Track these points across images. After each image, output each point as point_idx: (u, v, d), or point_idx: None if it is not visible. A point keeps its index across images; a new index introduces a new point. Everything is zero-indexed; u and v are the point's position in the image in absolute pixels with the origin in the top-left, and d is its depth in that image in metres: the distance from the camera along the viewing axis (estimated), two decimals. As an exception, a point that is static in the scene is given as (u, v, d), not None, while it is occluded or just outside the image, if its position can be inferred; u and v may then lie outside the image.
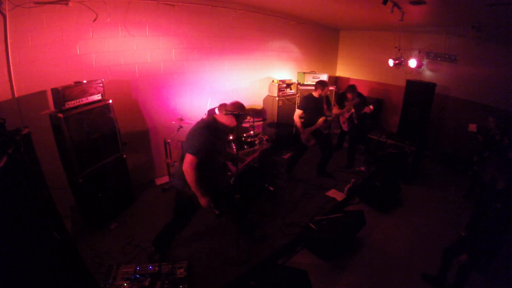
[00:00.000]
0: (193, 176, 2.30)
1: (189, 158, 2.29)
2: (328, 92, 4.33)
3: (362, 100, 4.90)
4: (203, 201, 2.41)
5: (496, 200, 2.26)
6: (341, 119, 4.94)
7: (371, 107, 4.67)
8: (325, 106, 4.28)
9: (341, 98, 5.19)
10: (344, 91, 5.09)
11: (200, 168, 2.35)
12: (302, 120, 4.21)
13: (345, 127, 4.97)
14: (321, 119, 4.18)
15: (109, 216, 3.32)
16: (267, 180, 4.12)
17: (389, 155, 4.74)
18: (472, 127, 4.27)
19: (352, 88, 4.86)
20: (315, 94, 4.20)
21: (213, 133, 2.41)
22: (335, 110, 4.60)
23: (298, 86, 5.59)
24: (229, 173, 3.36)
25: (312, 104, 4.18)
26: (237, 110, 2.42)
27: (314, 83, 5.71)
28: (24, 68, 2.94)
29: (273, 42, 5.49)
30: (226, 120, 2.48)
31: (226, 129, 2.56)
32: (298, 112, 4.20)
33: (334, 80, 7.11)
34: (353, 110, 4.82)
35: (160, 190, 4.15)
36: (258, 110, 5.63)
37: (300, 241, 3.25)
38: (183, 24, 4.16)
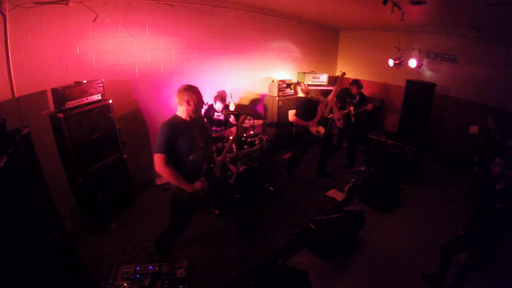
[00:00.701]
0: (168, 172, 2.24)
1: (156, 159, 2.24)
2: (308, 90, 4.31)
3: (362, 98, 4.88)
4: (196, 185, 2.31)
5: (496, 200, 2.26)
6: (336, 115, 4.89)
7: (370, 106, 4.62)
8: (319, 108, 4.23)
9: (343, 94, 5.16)
10: (346, 87, 5.07)
11: (178, 167, 2.32)
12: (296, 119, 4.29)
13: (339, 124, 4.93)
14: (320, 106, 4.17)
15: (109, 216, 3.32)
16: (267, 180, 4.12)
17: (389, 155, 4.74)
18: (474, 129, 4.27)
19: (357, 82, 4.83)
20: (302, 95, 4.29)
21: (174, 126, 2.29)
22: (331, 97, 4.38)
23: (298, 86, 5.59)
24: (229, 173, 3.36)
25: (302, 104, 4.24)
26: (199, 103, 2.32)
27: (315, 83, 5.75)
28: (24, 68, 2.93)
29: (273, 42, 5.49)
30: (181, 112, 2.38)
31: (192, 122, 2.38)
32: (291, 112, 4.29)
33: (334, 80, 7.09)
34: (351, 108, 4.80)
35: (160, 190, 4.16)
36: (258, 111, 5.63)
37: (300, 241, 3.25)
38: (183, 24, 4.16)
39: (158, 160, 2.23)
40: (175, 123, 2.33)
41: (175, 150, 2.29)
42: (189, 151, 2.36)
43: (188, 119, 2.38)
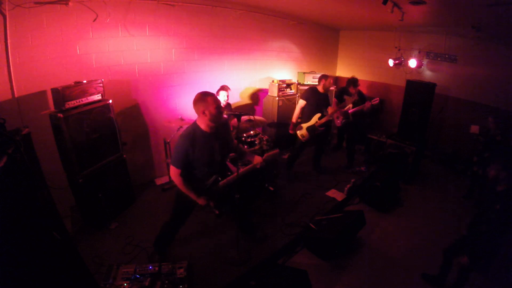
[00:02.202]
0: (180, 184, 2.36)
1: (171, 169, 2.35)
2: (333, 86, 4.34)
3: (361, 97, 4.88)
4: (200, 201, 2.42)
5: (497, 201, 2.26)
6: (336, 114, 4.89)
7: (369, 104, 4.58)
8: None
9: (341, 93, 5.16)
10: (344, 86, 5.07)
11: (192, 173, 2.40)
12: (300, 115, 4.34)
13: (337, 122, 4.93)
14: (316, 116, 4.22)
15: (109, 216, 3.32)
16: (267, 180, 4.12)
17: (389, 155, 4.74)
18: (474, 129, 4.26)
19: (354, 81, 4.84)
20: (319, 88, 4.28)
21: (192, 140, 2.28)
22: (330, 109, 4.45)
23: (298, 86, 5.59)
24: (229, 173, 3.35)
25: (315, 97, 4.24)
26: (212, 105, 2.24)
27: (315, 83, 5.72)
28: (24, 68, 2.93)
29: (273, 42, 5.49)
30: (200, 122, 2.34)
31: (211, 133, 2.36)
32: (301, 102, 4.32)
33: (334, 80, 7.11)
34: (350, 105, 4.79)
35: (160, 190, 4.15)
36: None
37: (300, 241, 3.24)
38: (183, 24, 4.16)
39: (173, 171, 2.34)
40: (193, 137, 2.30)
41: (192, 160, 2.33)
42: (205, 164, 2.40)
43: (208, 130, 2.34)
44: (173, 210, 2.71)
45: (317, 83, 4.40)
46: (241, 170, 2.56)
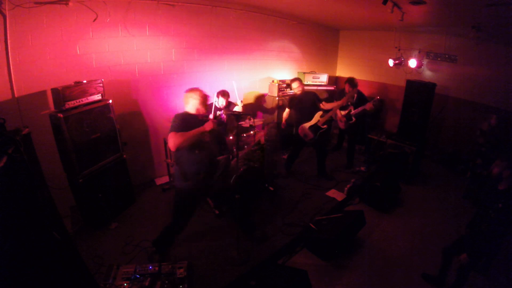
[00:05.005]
0: (180, 136, 2.37)
1: (169, 136, 2.40)
2: (302, 87, 4.34)
3: (361, 97, 4.87)
4: (207, 126, 2.47)
5: (498, 200, 2.26)
6: (338, 117, 4.90)
7: (371, 104, 4.56)
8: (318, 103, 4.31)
9: (340, 95, 5.15)
10: (343, 88, 5.08)
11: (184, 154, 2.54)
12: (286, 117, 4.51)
13: (341, 125, 4.93)
14: (318, 114, 4.25)
15: (109, 216, 3.32)
16: (267, 180, 4.12)
17: (389, 155, 4.74)
18: (484, 126, 4.12)
19: (351, 80, 4.83)
20: (297, 92, 4.32)
21: (186, 121, 2.50)
22: (328, 105, 4.42)
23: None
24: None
25: (296, 103, 4.31)
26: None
27: (315, 83, 5.75)
28: (24, 68, 2.94)
29: (273, 42, 5.49)
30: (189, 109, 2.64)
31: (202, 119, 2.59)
32: (286, 110, 4.52)
33: (334, 80, 7.11)
34: (351, 108, 4.79)
35: (160, 190, 4.15)
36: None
37: (300, 241, 3.25)
38: (183, 24, 4.16)
39: (171, 137, 2.38)
40: (186, 119, 2.53)
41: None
42: (195, 145, 2.51)
43: (192, 117, 2.56)
44: (174, 212, 2.71)
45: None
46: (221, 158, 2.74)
